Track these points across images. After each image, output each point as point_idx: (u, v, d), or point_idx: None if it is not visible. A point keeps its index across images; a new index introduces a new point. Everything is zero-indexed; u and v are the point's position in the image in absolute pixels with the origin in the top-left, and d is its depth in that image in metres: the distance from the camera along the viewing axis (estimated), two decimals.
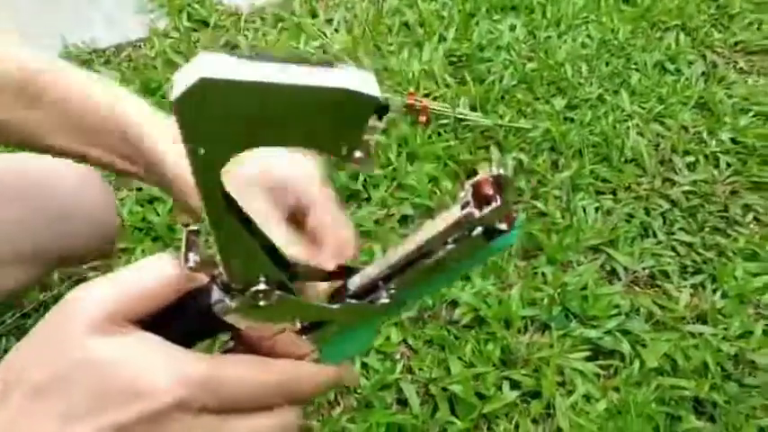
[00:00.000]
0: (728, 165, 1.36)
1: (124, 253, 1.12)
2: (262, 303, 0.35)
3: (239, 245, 0.33)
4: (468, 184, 0.34)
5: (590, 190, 1.27)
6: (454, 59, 1.54)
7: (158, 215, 1.17)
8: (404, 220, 1.20)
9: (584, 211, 1.24)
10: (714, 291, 1.14)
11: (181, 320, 0.36)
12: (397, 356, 1.02)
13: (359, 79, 0.28)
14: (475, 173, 0.35)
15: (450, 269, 0.37)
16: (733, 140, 1.41)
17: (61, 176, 0.81)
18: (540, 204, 1.24)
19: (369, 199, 1.22)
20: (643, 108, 1.46)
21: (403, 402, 0.97)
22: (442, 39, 1.57)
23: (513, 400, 0.97)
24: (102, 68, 1.46)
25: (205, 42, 1.51)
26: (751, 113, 1.47)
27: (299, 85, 0.28)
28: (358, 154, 0.30)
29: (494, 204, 0.33)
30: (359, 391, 0.97)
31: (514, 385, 0.99)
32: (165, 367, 0.32)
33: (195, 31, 1.56)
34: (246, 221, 0.34)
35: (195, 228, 0.35)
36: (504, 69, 1.50)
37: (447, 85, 1.47)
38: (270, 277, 0.35)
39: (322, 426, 0.93)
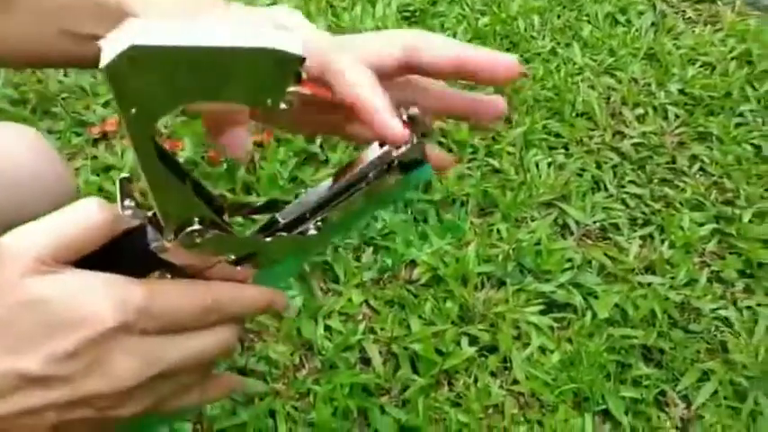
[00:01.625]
0: (676, 116, 1.39)
1: None
2: (197, 241, 0.37)
3: (172, 190, 0.35)
4: None
5: (542, 145, 1.30)
6: (407, 14, 1.54)
7: (115, 184, 1.16)
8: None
9: (537, 166, 1.26)
10: (662, 241, 1.18)
11: (120, 260, 0.37)
12: (359, 317, 1.05)
13: (284, 39, 0.31)
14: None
15: (373, 201, 0.40)
16: (681, 91, 1.44)
17: (11, 147, 0.81)
18: (494, 161, 1.26)
19: (327, 161, 1.23)
20: (594, 60, 1.48)
21: (366, 362, 1.00)
22: None
23: (471, 355, 1.00)
24: None
25: None
26: (698, 64, 1.50)
27: (225, 47, 0.30)
28: (282, 105, 0.32)
29: (408, 144, 0.37)
30: (323, 352, 0.99)
31: (473, 341, 1.03)
32: (104, 294, 0.34)
33: None
34: (178, 169, 0.36)
35: (128, 176, 0.38)
36: (457, 24, 1.51)
37: None
38: (203, 217, 0.37)
39: (287, 388, 0.96)
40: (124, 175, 0.37)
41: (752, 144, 1.35)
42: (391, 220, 1.14)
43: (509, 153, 1.28)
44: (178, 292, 0.37)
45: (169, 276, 0.40)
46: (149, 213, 0.37)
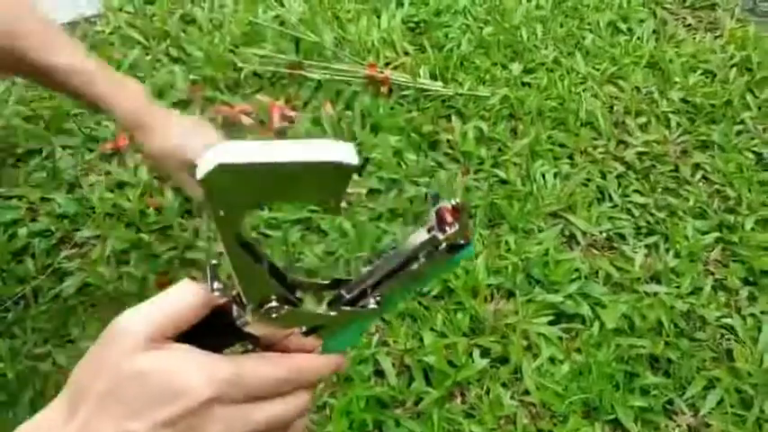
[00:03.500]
0: (678, 124, 1.42)
1: (98, 240, 1.14)
2: (274, 316, 0.44)
3: (253, 274, 0.43)
4: (432, 212, 0.44)
5: (548, 156, 1.32)
6: (412, 26, 1.56)
7: (129, 200, 1.18)
8: (371, 194, 1.23)
9: (544, 177, 1.28)
10: (667, 250, 1.21)
11: (210, 334, 0.44)
12: (372, 330, 1.07)
13: (342, 151, 0.37)
14: (437, 197, 0.45)
15: (423, 277, 0.46)
16: (682, 100, 1.46)
17: None
18: (500, 172, 1.28)
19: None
20: (597, 69, 1.50)
21: (380, 374, 1.02)
22: (400, 4, 1.58)
23: (483, 367, 1.02)
24: None
25: (161, 16, 1.49)
26: (699, 72, 1.53)
27: (296, 161, 0.36)
28: (343, 204, 0.40)
29: (453, 229, 0.43)
30: None
31: (484, 352, 1.05)
32: (197, 370, 0.40)
33: (150, 3, 1.54)
34: (257, 254, 0.42)
35: (215, 262, 0.45)
36: (461, 35, 1.53)
37: (407, 53, 1.49)
38: (279, 295, 0.44)
39: None
40: (213, 261, 0.44)
41: (753, 151, 1.38)
42: (402, 234, 1.16)
43: (515, 164, 1.30)
44: (260, 364, 0.44)
45: (251, 347, 0.47)
46: (234, 293, 0.44)
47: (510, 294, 1.12)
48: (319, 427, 0.96)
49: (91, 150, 1.26)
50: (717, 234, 1.23)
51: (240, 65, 1.41)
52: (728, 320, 1.12)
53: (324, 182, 0.38)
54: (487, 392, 1.02)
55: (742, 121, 1.43)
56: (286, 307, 0.45)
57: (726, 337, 1.11)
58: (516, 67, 1.47)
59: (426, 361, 1.02)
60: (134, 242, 1.13)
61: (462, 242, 0.45)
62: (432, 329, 1.06)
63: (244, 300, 0.44)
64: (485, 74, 1.45)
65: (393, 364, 1.03)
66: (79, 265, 1.10)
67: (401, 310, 1.08)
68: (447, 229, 0.44)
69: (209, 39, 1.46)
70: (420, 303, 1.09)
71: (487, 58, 1.49)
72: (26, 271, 1.08)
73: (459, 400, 1.01)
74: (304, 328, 0.48)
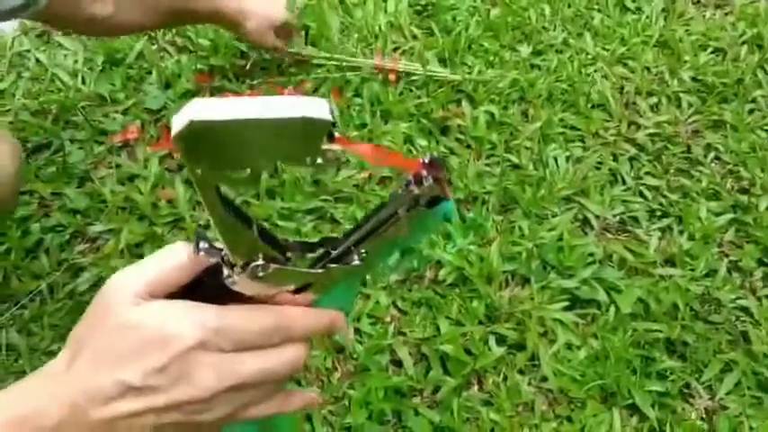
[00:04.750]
0: (690, 104, 1.40)
1: (111, 234, 1.14)
2: (261, 274, 0.45)
3: (238, 234, 0.44)
4: (410, 170, 0.45)
5: (560, 139, 1.31)
6: (419, 8, 1.54)
7: (141, 193, 1.17)
8: (383, 181, 1.23)
9: (556, 161, 1.28)
10: (681, 233, 1.20)
11: (200, 293, 0.45)
12: (388, 319, 1.07)
13: (315, 106, 0.37)
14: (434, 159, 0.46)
15: (406, 234, 0.47)
16: (693, 79, 1.45)
17: None
18: (512, 157, 1.28)
19: (347, 162, 1.25)
20: (606, 50, 1.49)
21: (397, 364, 1.03)
22: None
23: (500, 355, 1.03)
24: (62, 39, 1.42)
25: None
26: (709, 50, 1.51)
27: (266, 118, 0.37)
28: (319, 161, 0.40)
29: (427, 182, 0.44)
30: (355, 356, 1.02)
31: (500, 339, 1.05)
32: (184, 317, 0.42)
33: None
34: (243, 216, 0.44)
35: (202, 223, 0.45)
36: (469, 17, 1.51)
37: (414, 37, 1.48)
38: (265, 254, 0.45)
39: (323, 393, 0.98)
40: (200, 223, 0.45)
41: (766, 130, 1.36)
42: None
43: (527, 148, 1.29)
44: (246, 314, 0.45)
45: None
46: (222, 254, 0.45)
47: (525, 281, 1.12)
48: (338, 418, 0.96)
49: (100, 143, 1.26)
50: (731, 215, 1.23)
51: (247, 53, 1.40)
52: (744, 302, 1.12)
53: (297, 138, 0.38)
54: (505, 380, 1.02)
55: (754, 100, 1.42)
56: (272, 265, 0.45)
57: (741, 319, 1.11)
58: (525, 50, 1.46)
59: (443, 350, 1.02)
60: (147, 235, 1.13)
61: (440, 195, 0.45)
62: (448, 318, 1.06)
63: (231, 259, 0.45)
64: (494, 57, 1.44)
65: (410, 354, 1.03)
66: (93, 260, 1.10)
67: (416, 299, 1.08)
68: (423, 182, 0.44)
69: (216, 28, 1.44)
70: (435, 292, 1.09)
71: (496, 40, 1.47)
72: (41, 267, 1.08)
73: (476, 388, 1.02)
74: (293, 287, 0.48)
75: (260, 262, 0.45)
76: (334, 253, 0.48)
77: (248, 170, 0.40)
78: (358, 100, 1.33)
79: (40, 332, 1.02)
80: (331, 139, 0.39)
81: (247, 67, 1.37)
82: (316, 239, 0.50)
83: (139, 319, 0.42)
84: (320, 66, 1.37)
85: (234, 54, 1.40)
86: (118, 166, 1.22)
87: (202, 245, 0.45)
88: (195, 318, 0.43)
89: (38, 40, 1.42)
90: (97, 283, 1.07)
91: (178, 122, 0.36)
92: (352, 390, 0.98)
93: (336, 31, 1.46)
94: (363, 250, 0.48)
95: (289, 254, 0.48)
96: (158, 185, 1.19)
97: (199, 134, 0.37)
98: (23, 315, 1.03)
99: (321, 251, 0.49)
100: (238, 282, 0.45)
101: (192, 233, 1.13)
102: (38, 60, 1.38)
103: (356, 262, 0.48)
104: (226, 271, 0.45)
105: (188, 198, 1.17)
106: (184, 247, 0.45)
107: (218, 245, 0.45)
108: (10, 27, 1.43)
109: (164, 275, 0.44)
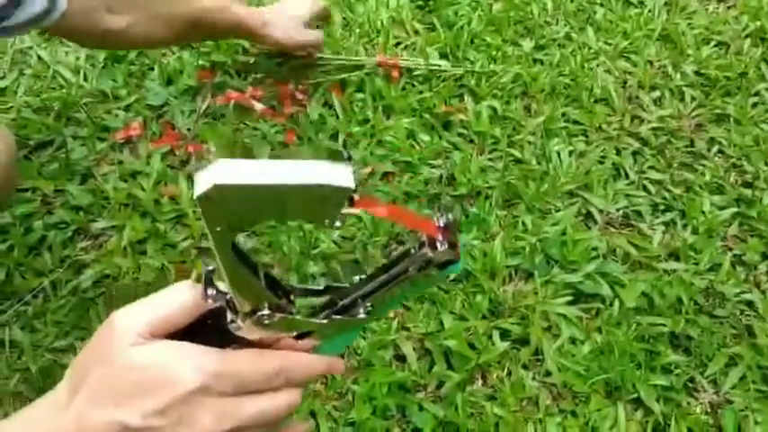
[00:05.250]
0: (693, 98, 1.40)
1: (114, 231, 1.14)
2: (266, 323, 0.46)
3: (246, 281, 0.45)
4: (425, 232, 0.46)
5: (563, 134, 1.31)
6: (421, 3, 1.53)
7: (144, 190, 1.17)
8: (385, 177, 1.22)
9: (559, 155, 1.27)
10: (684, 227, 1.20)
11: (204, 335, 0.46)
12: (392, 315, 1.07)
13: (338, 174, 0.39)
14: (444, 209, 0.48)
15: (412, 289, 0.49)
16: (696, 73, 1.44)
17: None
18: (515, 152, 1.27)
19: (350, 158, 1.24)
20: (609, 44, 1.48)
21: (401, 359, 1.02)
22: None
23: (504, 350, 1.02)
24: None
25: None
26: (712, 44, 1.50)
27: (287, 184, 0.38)
28: (338, 223, 0.41)
29: (443, 247, 0.45)
30: (358, 351, 1.02)
31: (504, 334, 1.05)
32: (186, 361, 0.43)
33: None
34: (251, 264, 0.44)
35: (211, 268, 0.45)
36: (471, 12, 1.51)
37: (416, 32, 1.47)
38: (271, 303, 0.46)
39: (326, 388, 0.98)
40: (210, 267, 0.45)
41: None
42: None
43: (530, 143, 1.29)
44: (248, 359, 0.46)
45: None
46: (227, 297, 0.46)
47: (528, 275, 1.12)
48: (342, 413, 0.96)
49: (102, 140, 1.25)
50: (734, 209, 1.22)
51: (249, 49, 1.39)
52: (748, 296, 1.11)
53: (319, 203, 0.39)
54: (509, 374, 1.02)
55: (757, 93, 1.41)
56: (278, 315, 0.46)
57: (746, 313, 1.10)
58: (528, 44, 1.45)
59: (447, 344, 1.02)
60: (150, 232, 1.13)
61: (452, 259, 0.47)
62: (451, 313, 1.06)
63: (237, 306, 0.46)
64: (496, 51, 1.43)
65: (414, 349, 1.03)
66: (96, 257, 1.10)
67: (420, 295, 1.08)
68: (438, 246, 0.45)
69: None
70: (439, 287, 1.09)
71: (498, 35, 1.47)
72: (43, 264, 1.08)
73: (480, 382, 1.01)
74: (295, 334, 0.50)
75: (266, 311, 0.46)
76: (340, 303, 0.49)
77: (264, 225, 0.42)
78: (360, 95, 1.33)
79: (43, 329, 1.02)
80: (351, 203, 0.41)
81: (250, 62, 1.37)
82: (321, 286, 0.51)
83: (142, 360, 0.43)
84: (322, 63, 1.37)
85: (236, 50, 1.40)
86: (120, 162, 1.22)
87: (210, 291, 0.46)
88: (197, 362, 0.43)
89: (39, 37, 1.42)
90: (100, 280, 1.07)
91: (202, 184, 0.37)
92: (356, 385, 0.98)
93: (338, 27, 1.45)
94: (369, 303, 0.49)
95: (292, 298, 0.49)
96: (161, 182, 1.19)
97: (222, 197, 0.38)
98: (26, 312, 1.03)
99: (326, 298, 0.51)
100: (243, 327, 0.47)
101: (196, 231, 1.13)
102: (39, 57, 1.38)
103: (361, 315, 0.49)
104: (230, 316, 0.47)
105: (190, 195, 1.17)
106: (190, 288, 0.46)
107: (223, 287, 0.46)
108: None
109: (168, 316, 0.45)
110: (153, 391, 0.42)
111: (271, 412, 0.46)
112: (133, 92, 1.33)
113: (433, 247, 0.46)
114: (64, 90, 1.32)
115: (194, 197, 0.37)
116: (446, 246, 0.45)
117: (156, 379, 0.42)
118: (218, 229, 0.40)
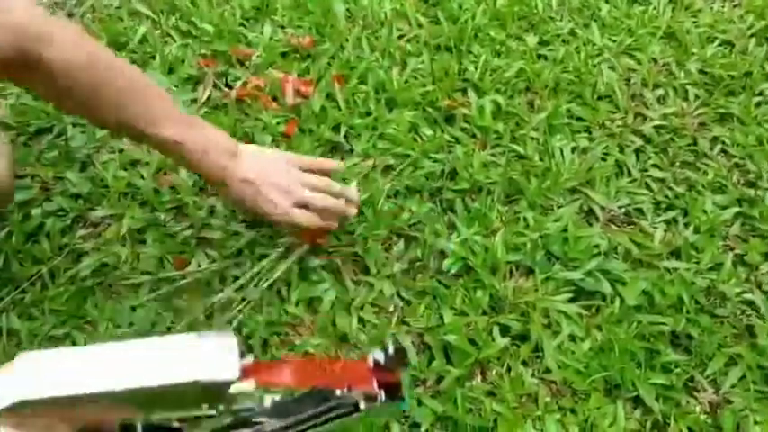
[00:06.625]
0: (697, 97, 1.39)
1: (113, 219, 1.13)
2: None
3: None
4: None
5: (566, 130, 1.30)
6: None
7: (143, 178, 1.16)
8: (387, 170, 1.22)
9: (562, 152, 1.27)
10: (686, 225, 1.19)
11: None
12: (391, 309, 1.06)
13: (214, 362, 0.35)
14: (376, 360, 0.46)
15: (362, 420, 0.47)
16: (701, 71, 1.44)
17: None
18: (518, 147, 1.27)
19: (351, 151, 1.24)
20: (613, 41, 1.47)
21: None
22: None
23: (504, 346, 1.02)
24: None
25: None
26: (717, 42, 1.50)
27: (162, 385, 0.34)
28: (222, 407, 0.38)
29: (380, 398, 0.44)
30: (358, 345, 1.01)
31: (504, 330, 1.05)
32: None
33: None
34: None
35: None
36: (476, 6, 1.50)
37: (420, 25, 1.46)
38: None
39: None
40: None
41: None
42: (418, 211, 1.15)
43: (533, 138, 1.28)
44: None
45: None
46: None
47: (529, 271, 1.11)
48: None
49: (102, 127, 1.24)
50: (736, 209, 1.22)
51: (251, 38, 1.38)
52: (749, 296, 1.11)
53: (204, 393, 0.37)
54: (508, 371, 1.01)
55: (761, 93, 1.41)
56: None
57: (747, 313, 1.10)
58: (532, 40, 1.45)
59: (447, 340, 1.01)
60: (149, 221, 1.12)
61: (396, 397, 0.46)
62: (451, 308, 1.06)
63: None
64: (500, 46, 1.43)
65: (413, 343, 1.02)
66: (95, 245, 1.09)
67: (420, 289, 1.07)
68: (376, 399, 0.45)
69: (220, 12, 1.43)
70: (439, 282, 1.08)
71: (502, 30, 1.46)
72: (42, 252, 1.07)
73: (479, 378, 1.01)
74: None
75: None
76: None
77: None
78: (363, 87, 1.32)
79: (40, 317, 1.01)
80: (243, 375, 0.37)
81: (252, 55, 1.36)
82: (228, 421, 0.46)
83: None
84: (324, 52, 1.36)
85: (237, 39, 1.39)
86: (120, 150, 1.21)
87: None
88: None
89: None
90: (98, 269, 1.07)
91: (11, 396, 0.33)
92: None
93: (342, 18, 1.44)
94: None
95: None
96: (161, 171, 1.18)
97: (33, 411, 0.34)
98: (24, 300, 1.02)
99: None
100: None
101: (196, 221, 1.12)
102: None
103: None
104: None
105: (191, 184, 1.16)
106: None
107: None
108: None
109: None
110: None
111: None
112: None
113: (371, 400, 0.44)
114: None
115: None
116: (383, 396, 0.44)
117: None
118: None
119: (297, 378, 0.39)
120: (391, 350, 0.44)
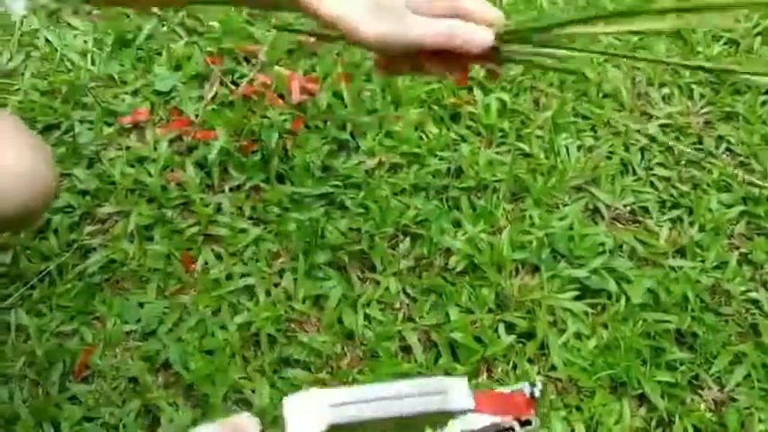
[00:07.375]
0: (702, 96, 1.40)
1: (120, 216, 1.13)
2: None
3: None
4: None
5: (571, 129, 1.30)
6: None
7: (151, 175, 1.17)
8: (393, 168, 1.22)
9: (567, 150, 1.27)
10: (691, 224, 1.20)
11: None
12: (398, 306, 1.07)
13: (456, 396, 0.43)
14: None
15: None
16: (706, 70, 1.44)
17: None
18: (523, 145, 1.27)
19: (357, 148, 1.24)
20: (619, 40, 1.48)
21: (406, 350, 1.02)
22: None
23: (509, 343, 1.02)
24: (71, 19, 1.41)
25: None
26: (722, 41, 1.50)
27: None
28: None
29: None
30: (364, 342, 1.02)
31: (510, 328, 1.05)
32: None
33: None
34: None
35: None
36: None
37: None
38: None
39: (332, 378, 0.98)
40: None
41: None
42: (424, 208, 1.15)
43: (538, 137, 1.29)
44: None
45: None
46: None
47: (535, 269, 1.12)
48: None
49: (109, 124, 1.25)
50: (741, 207, 1.22)
51: (258, 36, 1.39)
52: (754, 294, 1.12)
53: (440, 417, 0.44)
54: (514, 368, 1.02)
55: (767, 92, 1.41)
56: None
57: (751, 311, 1.10)
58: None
59: (453, 337, 1.02)
60: (156, 218, 1.12)
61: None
62: (457, 305, 1.06)
63: None
64: None
65: (419, 341, 1.03)
66: (102, 242, 1.10)
67: (426, 286, 1.08)
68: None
69: (226, 10, 1.44)
70: (445, 279, 1.09)
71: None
72: (50, 248, 1.08)
73: (485, 375, 1.01)
74: None
75: None
76: None
77: None
78: (369, 85, 1.32)
79: (49, 313, 1.01)
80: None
81: (258, 52, 1.37)
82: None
83: None
84: (331, 50, 1.36)
85: (244, 37, 1.39)
86: (127, 147, 1.21)
87: None
88: None
89: (47, 19, 1.41)
90: (106, 265, 1.07)
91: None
92: (361, 375, 0.98)
93: None
94: None
95: None
96: (168, 168, 1.19)
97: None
98: (32, 296, 1.03)
99: None
100: None
101: (202, 217, 1.12)
102: (47, 40, 1.37)
103: None
104: None
105: (198, 181, 1.17)
106: None
107: None
108: (19, 6, 1.42)
109: None
110: None
111: None
112: (141, 77, 1.32)
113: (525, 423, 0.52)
114: (71, 74, 1.31)
115: None
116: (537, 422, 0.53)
117: None
118: None
119: (492, 409, 0.49)
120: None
